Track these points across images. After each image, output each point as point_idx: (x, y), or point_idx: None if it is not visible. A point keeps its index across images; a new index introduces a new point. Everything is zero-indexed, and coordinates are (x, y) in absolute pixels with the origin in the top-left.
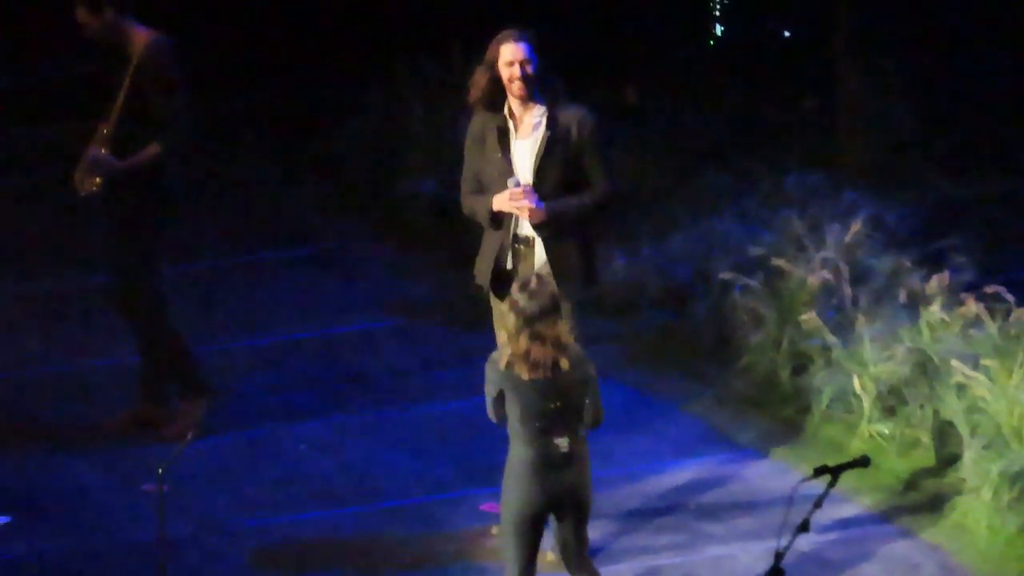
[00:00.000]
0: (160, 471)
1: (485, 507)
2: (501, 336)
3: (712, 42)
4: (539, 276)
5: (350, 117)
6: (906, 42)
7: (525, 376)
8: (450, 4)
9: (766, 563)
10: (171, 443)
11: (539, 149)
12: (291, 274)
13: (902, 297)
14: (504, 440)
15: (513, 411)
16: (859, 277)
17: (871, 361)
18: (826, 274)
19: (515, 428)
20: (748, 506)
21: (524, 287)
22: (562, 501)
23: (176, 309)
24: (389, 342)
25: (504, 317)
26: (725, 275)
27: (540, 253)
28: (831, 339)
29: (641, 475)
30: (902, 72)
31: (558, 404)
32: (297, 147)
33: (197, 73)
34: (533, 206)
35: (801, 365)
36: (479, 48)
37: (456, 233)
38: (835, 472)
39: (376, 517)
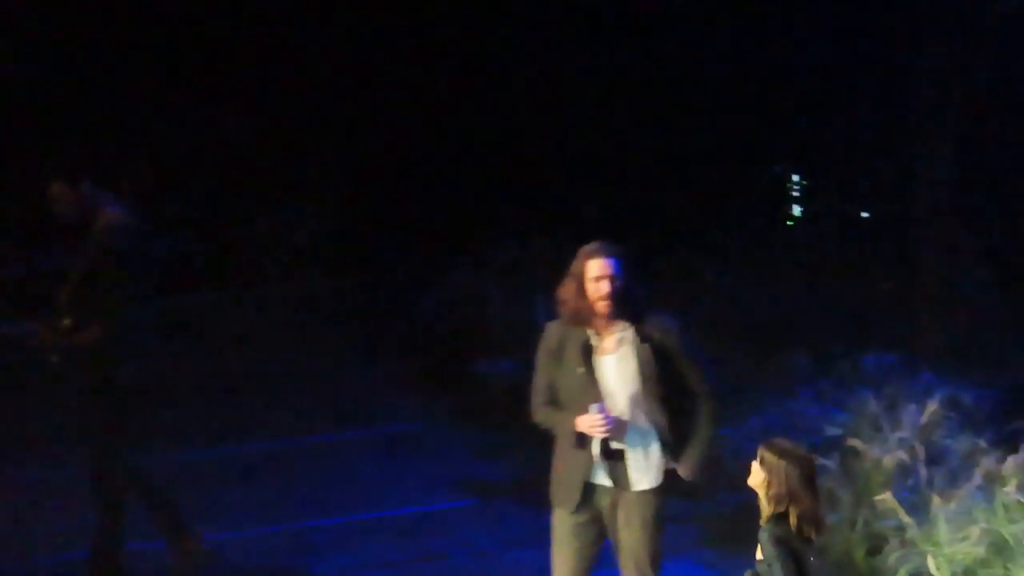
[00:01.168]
0: None
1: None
2: (558, 559)
3: (790, 223)
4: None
5: (428, 298)
6: (983, 216)
7: (813, 536)
8: (526, 187)
9: None
10: None
11: (634, 368)
12: (370, 454)
13: (978, 478)
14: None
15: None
16: (935, 457)
17: (946, 542)
18: (902, 454)
19: None
20: None
21: (777, 449)
22: None
23: (252, 488)
24: (468, 522)
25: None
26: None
27: (632, 464)
28: (906, 519)
29: None
30: (979, 247)
31: None
32: (376, 328)
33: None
34: (688, 471)
35: (876, 546)
36: (555, 231)
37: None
38: None
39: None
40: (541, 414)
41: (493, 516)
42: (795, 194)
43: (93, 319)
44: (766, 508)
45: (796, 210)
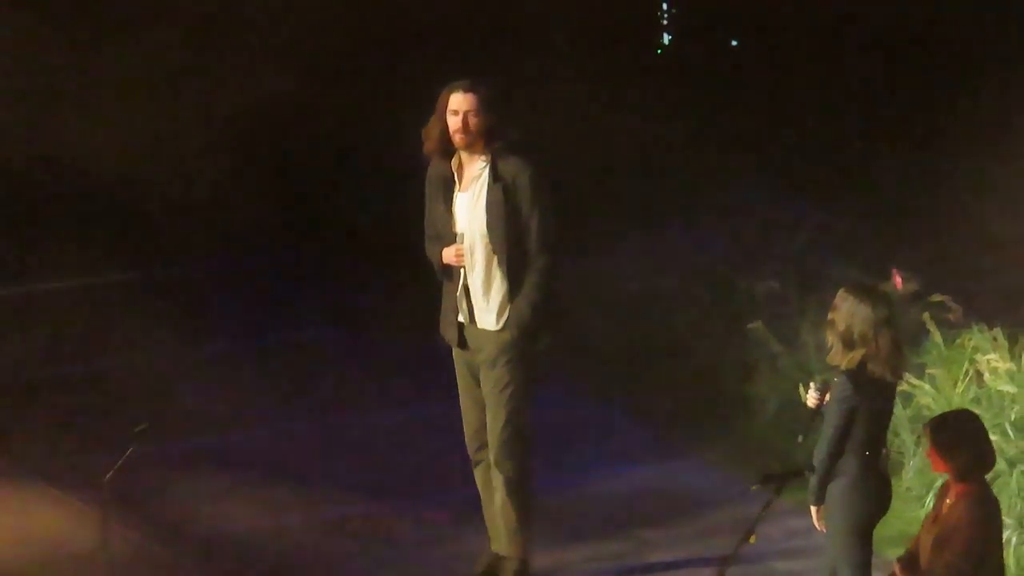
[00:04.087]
0: (106, 479)
1: (428, 516)
2: (461, 396)
3: (660, 51)
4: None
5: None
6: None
7: (890, 378)
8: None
9: (711, 572)
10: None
11: (479, 205)
12: (241, 285)
13: None
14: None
15: (868, 423)
16: (807, 285)
17: (817, 370)
18: (773, 283)
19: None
20: (693, 514)
21: (852, 290)
22: None
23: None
24: (339, 351)
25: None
26: (672, 285)
27: (477, 302)
28: (777, 347)
29: (587, 483)
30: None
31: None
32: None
33: None
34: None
35: (748, 374)
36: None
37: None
38: (781, 481)
39: (322, 526)
40: (428, 249)
41: (364, 346)
42: (664, 22)
43: None
44: (839, 353)
45: (665, 39)
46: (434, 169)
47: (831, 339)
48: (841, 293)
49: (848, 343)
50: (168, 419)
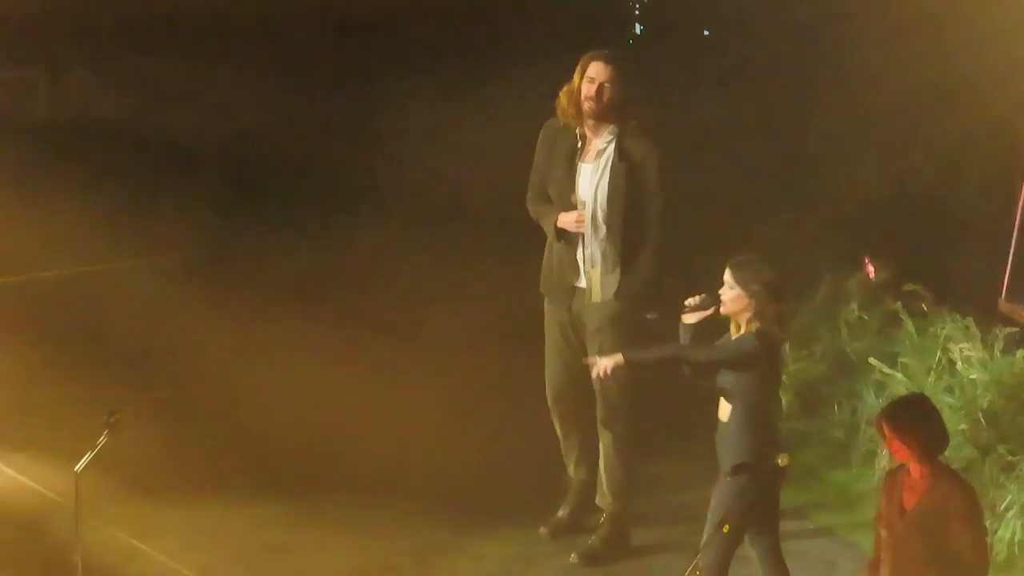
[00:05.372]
0: (78, 469)
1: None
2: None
3: (631, 40)
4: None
5: None
6: None
7: (783, 338)
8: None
9: (686, 560)
10: None
11: (604, 178)
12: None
13: (821, 296)
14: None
15: (770, 383)
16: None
17: (790, 359)
18: None
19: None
20: (668, 502)
21: (745, 266)
22: None
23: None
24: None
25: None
26: None
27: (591, 272)
28: None
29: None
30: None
31: None
32: None
33: None
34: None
35: None
36: None
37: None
38: (753, 470)
39: (296, 516)
40: (532, 208)
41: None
42: (636, 11)
43: None
44: (743, 323)
45: (637, 28)
46: (554, 132)
47: (741, 316)
48: (743, 273)
49: (760, 313)
50: (142, 406)
